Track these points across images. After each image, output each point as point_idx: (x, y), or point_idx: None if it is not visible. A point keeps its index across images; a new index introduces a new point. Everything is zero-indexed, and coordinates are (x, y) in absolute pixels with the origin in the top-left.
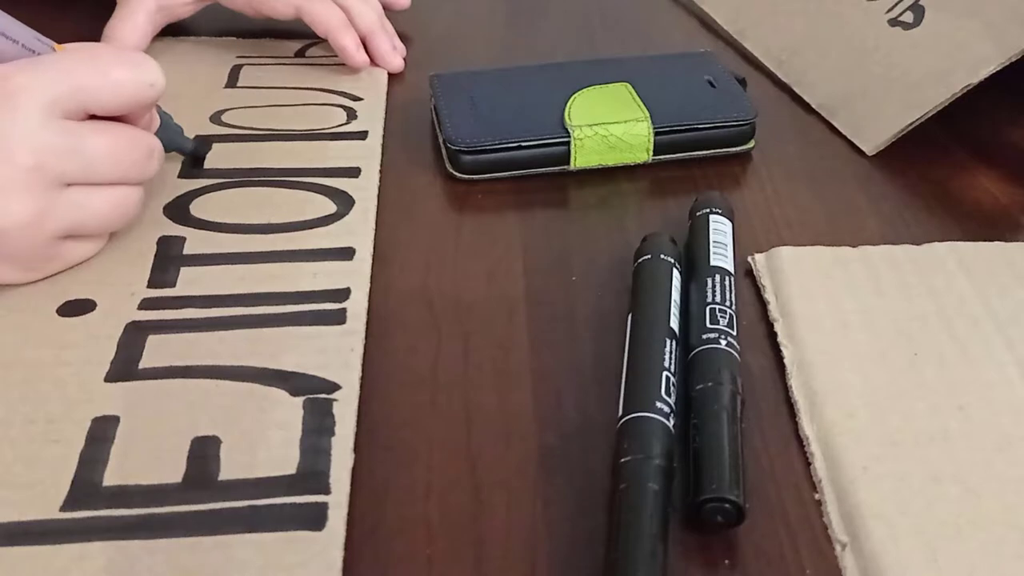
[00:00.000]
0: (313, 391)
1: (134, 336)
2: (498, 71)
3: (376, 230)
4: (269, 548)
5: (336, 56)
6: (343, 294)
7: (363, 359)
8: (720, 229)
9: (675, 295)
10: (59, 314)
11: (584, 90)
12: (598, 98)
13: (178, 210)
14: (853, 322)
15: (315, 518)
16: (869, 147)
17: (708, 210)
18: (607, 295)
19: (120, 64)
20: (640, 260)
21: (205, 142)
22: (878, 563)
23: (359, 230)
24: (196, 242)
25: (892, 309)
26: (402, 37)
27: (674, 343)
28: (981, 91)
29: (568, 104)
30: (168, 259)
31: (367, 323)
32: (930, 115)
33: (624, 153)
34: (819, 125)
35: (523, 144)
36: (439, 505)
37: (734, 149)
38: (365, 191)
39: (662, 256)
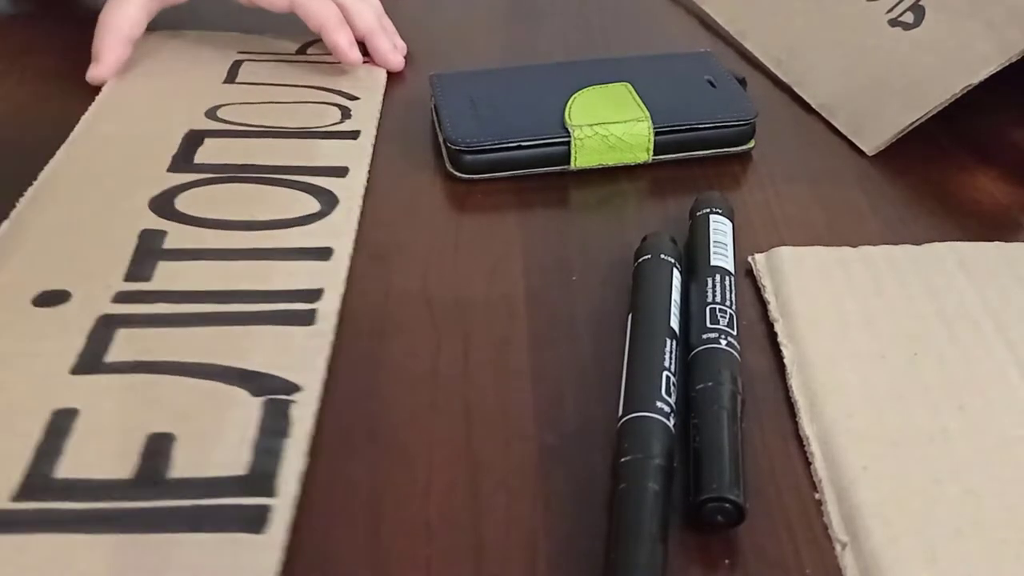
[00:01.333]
0: (274, 392)
1: (104, 329)
2: (498, 71)
3: (376, 229)
4: (208, 548)
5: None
6: (315, 295)
7: (354, 361)
8: (720, 229)
9: (675, 295)
10: (34, 304)
11: (584, 90)
12: (598, 98)
13: (163, 204)
14: (853, 322)
15: (257, 520)
16: (869, 147)
17: (708, 210)
18: (607, 295)
19: None
20: (640, 260)
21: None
22: (878, 563)
23: (340, 230)
24: (177, 237)
25: (892, 309)
26: (402, 37)
27: (674, 343)
28: (981, 91)
29: (568, 104)
30: (147, 253)
31: (368, 322)
32: (930, 115)
33: (624, 153)
34: (819, 125)
35: (523, 144)
36: (439, 505)
37: (734, 149)
38: (351, 191)
39: (662, 256)
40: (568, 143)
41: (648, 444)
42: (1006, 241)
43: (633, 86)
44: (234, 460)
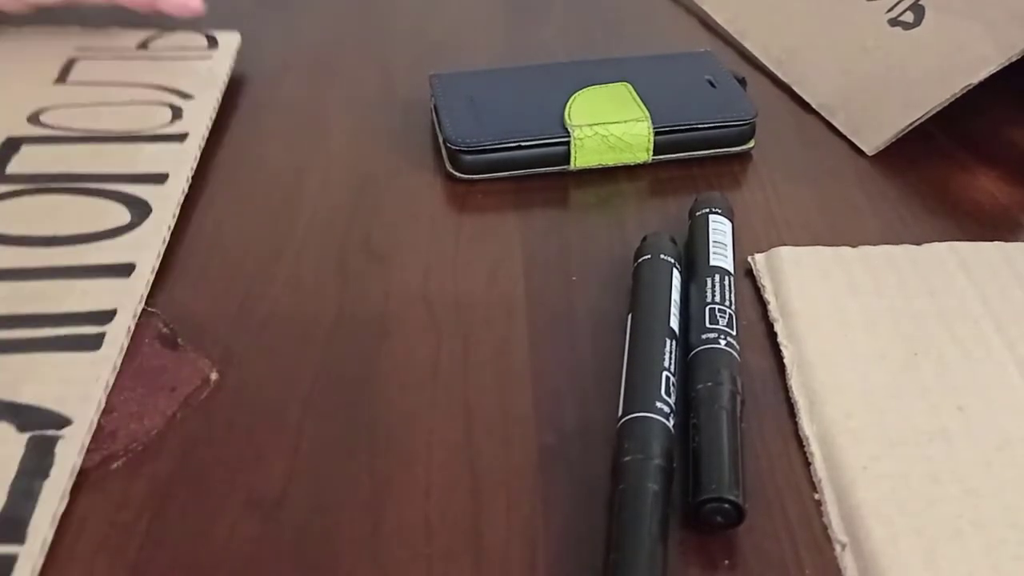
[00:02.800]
0: (42, 427)
1: None
2: (498, 71)
3: (376, 229)
4: None
5: (179, 49)
6: (106, 316)
7: (354, 361)
8: (720, 229)
9: (675, 295)
10: None
11: (584, 90)
12: (598, 98)
13: None
14: (853, 322)
15: (1, 570)
16: (869, 147)
17: (708, 210)
18: (607, 295)
19: None
20: (640, 260)
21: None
22: (878, 563)
23: (147, 243)
24: None
25: (892, 309)
26: (403, 37)
27: (674, 343)
28: (981, 91)
29: (568, 104)
30: None
31: (368, 322)
32: (930, 115)
33: (624, 153)
34: (819, 125)
35: (523, 144)
36: (439, 505)
37: (734, 149)
38: (166, 200)
39: (662, 256)
40: (568, 143)
41: (648, 444)
42: (1006, 241)
43: (633, 86)
44: None
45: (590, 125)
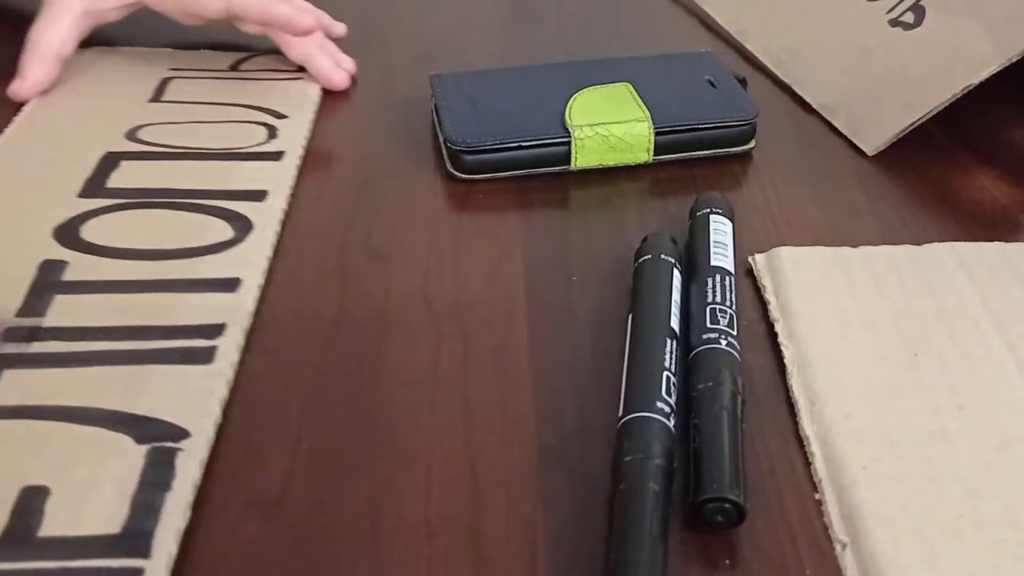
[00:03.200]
0: (160, 438)
1: None
2: (498, 71)
3: (376, 229)
4: None
5: (270, 70)
6: (216, 330)
7: (354, 361)
8: (720, 229)
9: (675, 295)
10: None
11: (585, 90)
12: (599, 98)
13: (68, 232)
14: (853, 322)
15: None
16: (869, 147)
17: (708, 210)
18: (607, 295)
19: None
20: (640, 260)
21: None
22: (878, 563)
23: (251, 259)
24: (79, 268)
25: (892, 309)
26: (403, 37)
27: (674, 343)
28: (981, 91)
29: (569, 104)
30: (45, 286)
31: (368, 322)
32: (930, 115)
33: (625, 153)
34: (819, 125)
35: (524, 144)
36: (439, 505)
37: (734, 149)
38: (267, 215)
39: (662, 256)
40: (568, 143)
41: (648, 444)
42: (1006, 241)
43: (633, 86)
44: (109, 516)
45: (591, 125)
